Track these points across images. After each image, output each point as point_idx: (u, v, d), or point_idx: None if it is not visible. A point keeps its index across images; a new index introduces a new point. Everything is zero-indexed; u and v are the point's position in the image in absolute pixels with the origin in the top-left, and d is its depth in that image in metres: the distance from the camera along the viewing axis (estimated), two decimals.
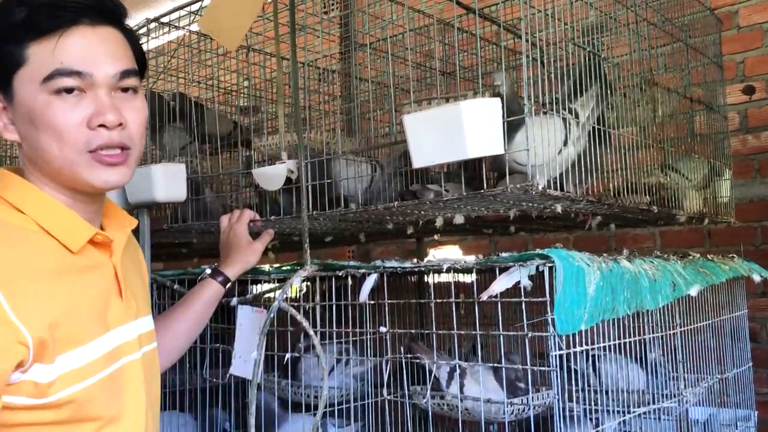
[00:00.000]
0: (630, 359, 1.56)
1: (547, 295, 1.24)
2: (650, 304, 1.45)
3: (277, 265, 1.87)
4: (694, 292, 1.58)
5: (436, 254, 3.15)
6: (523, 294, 1.29)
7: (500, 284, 1.30)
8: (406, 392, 1.67)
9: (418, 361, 1.75)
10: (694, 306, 1.71)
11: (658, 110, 1.76)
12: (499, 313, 1.35)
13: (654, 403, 1.60)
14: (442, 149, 1.29)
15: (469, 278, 1.68)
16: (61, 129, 0.99)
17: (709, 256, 1.86)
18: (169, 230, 1.92)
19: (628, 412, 1.47)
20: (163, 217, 2.00)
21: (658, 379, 1.62)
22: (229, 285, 1.57)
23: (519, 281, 1.31)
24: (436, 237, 2.63)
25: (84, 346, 0.98)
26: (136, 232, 1.88)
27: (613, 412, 1.44)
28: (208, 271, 1.60)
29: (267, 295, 1.76)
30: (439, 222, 1.66)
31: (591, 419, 1.41)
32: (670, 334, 1.59)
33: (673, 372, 1.66)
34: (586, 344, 1.32)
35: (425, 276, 2.38)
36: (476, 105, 1.26)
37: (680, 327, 1.64)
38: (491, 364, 1.73)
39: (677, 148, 1.95)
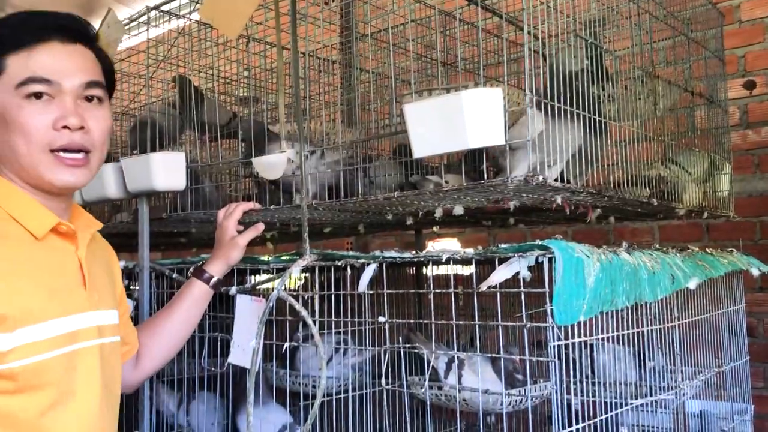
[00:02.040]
0: (627, 351, 1.56)
1: (547, 286, 1.24)
2: (649, 297, 1.45)
3: (275, 254, 1.87)
4: (692, 285, 1.58)
5: (435, 246, 3.15)
6: (522, 285, 1.29)
7: (499, 275, 1.30)
8: (405, 383, 1.67)
9: (416, 351, 1.75)
10: (692, 299, 1.71)
11: (659, 103, 1.76)
12: (498, 304, 1.35)
13: (651, 395, 1.60)
14: (442, 139, 1.29)
15: (467, 271, 1.68)
16: (30, 129, 1.12)
17: (708, 250, 1.86)
18: (168, 219, 1.92)
19: (625, 404, 1.47)
20: (162, 206, 1.99)
21: (655, 371, 1.62)
22: (216, 281, 1.57)
23: (518, 272, 1.31)
24: (435, 229, 2.63)
25: (42, 323, 1.07)
26: (135, 222, 1.89)
27: (611, 403, 1.44)
28: (193, 269, 1.61)
29: (266, 285, 1.76)
30: (438, 213, 1.65)
31: (588, 410, 1.41)
32: (668, 326, 1.59)
33: (670, 365, 1.66)
34: (585, 336, 1.33)
35: (424, 268, 2.39)
36: (477, 95, 1.26)
37: (678, 320, 1.64)
38: (489, 355, 1.73)
39: (678, 141, 1.94)
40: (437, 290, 1.44)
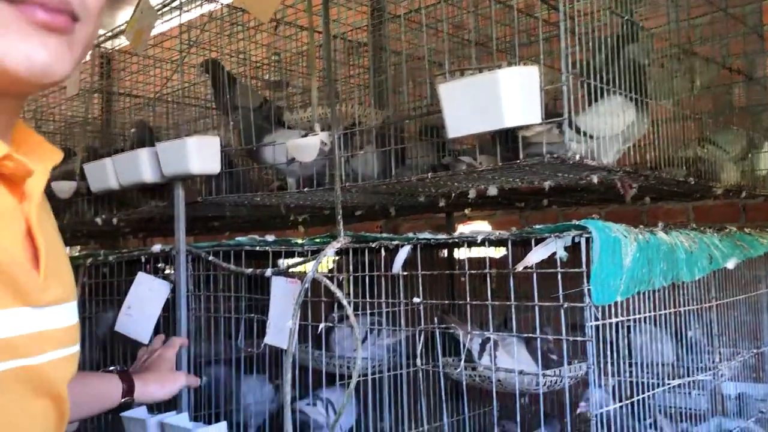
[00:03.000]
0: (664, 332, 1.55)
1: (584, 266, 1.23)
2: (686, 277, 1.43)
3: (308, 237, 1.88)
4: (731, 265, 1.56)
5: (466, 230, 3.14)
6: (559, 265, 1.28)
7: (536, 255, 1.30)
8: (440, 363, 1.68)
9: (450, 332, 1.76)
10: (731, 279, 1.69)
11: (696, 81, 1.73)
12: (535, 284, 1.35)
13: (688, 376, 1.59)
14: (478, 119, 1.28)
15: (499, 254, 1.67)
16: None
17: (746, 230, 1.83)
18: (203, 203, 1.94)
19: (662, 385, 1.46)
20: (197, 190, 2.02)
21: (693, 352, 1.61)
22: (129, 402, 1.50)
23: (554, 252, 1.30)
24: (466, 212, 2.62)
25: None
26: (170, 206, 1.91)
27: (647, 384, 1.43)
28: (116, 367, 1.58)
29: (300, 267, 1.78)
30: (472, 194, 1.65)
31: (624, 391, 1.41)
32: (705, 307, 1.57)
33: (708, 346, 1.64)
34: (621, 316, 1.32)
35: (455, 250, 2.39)
36: (514, 73, 1.25)
37: (716, 300, 1.62)
38: (524, 335, 1.73)
39: (715, 120, 1.91)
40: (472, 271, 1.44)
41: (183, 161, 1.80)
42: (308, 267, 1.65)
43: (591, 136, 1.35)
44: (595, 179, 1.45)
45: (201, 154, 1.79)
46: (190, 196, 1.93)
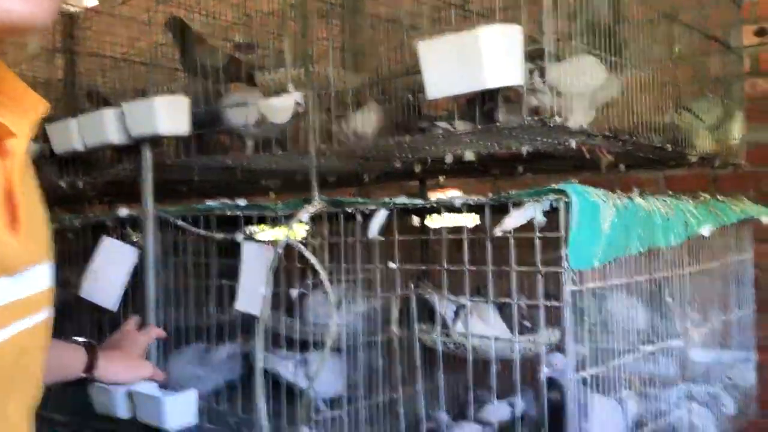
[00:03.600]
0: (638, 299, 1.55)
1: (562, 231, 1.22)
2: (663, 243, 1.43)
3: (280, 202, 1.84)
4: (706, 231, 1.57)
5: (440, 197, 3.12)
6: (536, 230, 1.27)
7: (514, 219, 1.28)
8: (415, 330, 1.66)
9: (425, 298, 1.74)
10: (703, 246, 1.70)
11: (675, 47, 1.72)
12: (511, 250, 1.33)
13: (661, 341, 1.60)
14: (458, 79, 1.25)
15: (475, 222, 1.65)
16: None
17: (719, 197, 1.84)
18: (172, 165, 1.89)
19: (636, 350, 1.47)
20: (164, 152, 1.96)
21: (666, 318, 1.61)
22: (84, 372, 1.50)
23: (533, 217, 1.29)
24: (440, 179, 2.60)
25: None
26: (137, 169, 1.85)
27: (621, 350, 1.44)
28: (85, 340, 1.55)
29: (272, 232, 1.74)
30: (448, 159, 1.62)
31: (598, 358, 1.41)
32: (679, 274, 1.58)
33: (681, 312, 1.65)
34: (598, 282, 1.31)
35: (428, 218, 2.37)
36: (495, 32, 1.21)
37: (690, 267, 1.63)
38: (499, 300, 1.73)
39: (692, 88, 1.91)
40: (450, 236, 1.42)
41: (151, 121, 1.74)
42: (281, 232, 1.61)
43: (558, 93, 1.32)
44: (573, 143, 1.43)
45: (169, 114, 1.73)
46: (158, 159, 1.87)
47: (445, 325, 1.76)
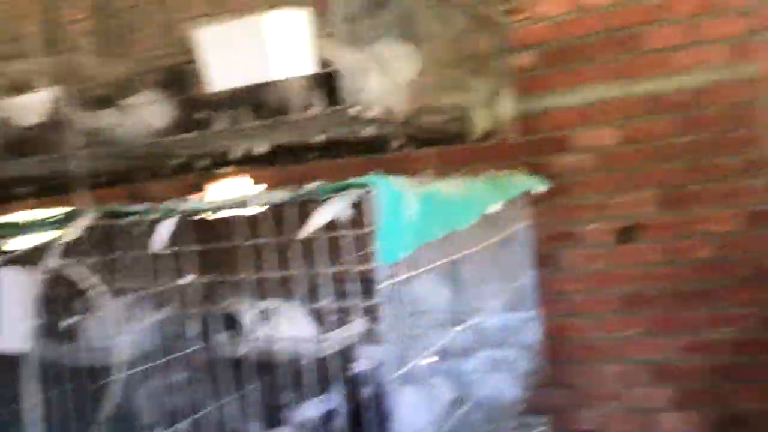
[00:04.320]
0: (441, 281, 1.57)
1: (370, 226, 1.16)
2: (462, 224, 1.45)
3: (42, 214, 1.57)
4: (496, 208, 1.62)
5: (224, 186, 2.94)
6: (343, 226, 1.20)
7: (320, 218, 1.19)
8: (215, 342, 1.53)
9: (224, 308, 1.61)
10: (492, 221, 1.76)
11: (457, 25, 1.74)
12: (314, 250, 1.25)
13: (462, 318, 1.63)
14: (242, 70, 1.13)
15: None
16: None
17: (500, 173, 1.93)
18: None
19: (446, 334, 1.48)
20: None
21: (466, 295, 1.65)
22: None
23: (338, 213, 1.22)
24: (226, 170, 2.43)
25: None
26: None
27: (432, 336, 1.44)
28: None
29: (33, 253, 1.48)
30: (236, 153, 1.49)
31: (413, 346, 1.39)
32: (474, 251, 1.62)
33: (479, 286, 1.71)
34: (407, 270, 1.28)
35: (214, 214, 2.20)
36: (281, 18, 1.11)
37: (482, 242, 1.68)
38: (307, 303, 1.65)
39: (465, 66, 1.96)
40: (248, 243, 1.30)
41: None
42: (46, 253, 1.37)
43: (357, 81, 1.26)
44: (369, 132, 1.38)
45: None
46: None
47: (247, 332, 1.64)
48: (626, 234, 2.76)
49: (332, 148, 1.75)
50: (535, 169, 2.63)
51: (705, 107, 2.65)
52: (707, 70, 2.62)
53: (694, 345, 2.69)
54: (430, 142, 1.89)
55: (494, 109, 2.11)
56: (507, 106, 2.17)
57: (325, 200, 1.21)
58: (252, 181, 2.79)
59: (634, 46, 2.74)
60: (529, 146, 2.68)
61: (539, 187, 2.09)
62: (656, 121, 2.73)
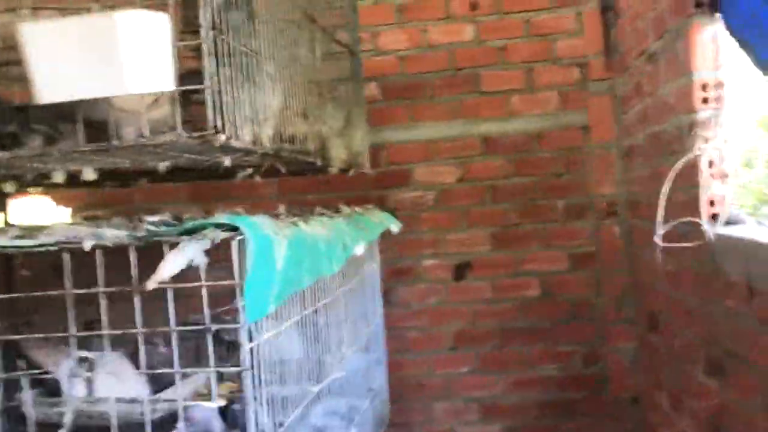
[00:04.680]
0: (303, 333, 1.40)
1: (236, 277, 0.98)
2: (328, 270, 1.30)
3: None
4: (360, 250, 1.49)
5: (19, 206, 2.52)
6: (202, 276, 1.00)
7: (171, 265, 0.98)
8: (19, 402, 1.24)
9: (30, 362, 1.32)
10: (350, 263, 1.63)
11: (316, 51, 1.60)
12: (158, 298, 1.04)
13: (320, 369, 1.47)
14: (86, 79, 0.90)
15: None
16: None
17: (357, 210, 1.81)
18: None
19: (310, 392, 1.32)
20: None
21: (324, 343, 1.50)
22: None
23: (192, 259, 1.02)
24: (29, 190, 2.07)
25: None
26: None
27: (295, 397, 1.27)
28: None
29: None
30: (59, 178, 1.23)
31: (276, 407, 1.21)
32: (337, 295, 1.48)
33: (336, 333, 1.56)
34: (273, 328, 1.11)
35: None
36: (138, 19, 0.90)
37: (341, 287, 1.55)
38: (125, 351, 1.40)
39: (321, 93, 1.83)
40: (78, 291, 1.05)
41: None
42: None
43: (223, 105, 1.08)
44: (227, 161, 1.19)
45: None
46: None
47: (59, 390, 1.36)
48: (460, 271, 2.78)
49: (174, 173, 1.52)
50: (382, 203, 2.56)
51: (536, 151, 2.76)
52: (540, 116, 2.73)
53: (522, 381, 2.76)
54: (289, 173, 1.71)
55: (349, 139, 1.99)
56: (361, 138, 2.07)
57: (176, 243, 1.00)
58: (52, 202, 2.43)
59: (475, 87, 2.80)
60: (376, 179, 2.61)
61: (395, 226, 2.00)
62: (492, 162, 2.80)
